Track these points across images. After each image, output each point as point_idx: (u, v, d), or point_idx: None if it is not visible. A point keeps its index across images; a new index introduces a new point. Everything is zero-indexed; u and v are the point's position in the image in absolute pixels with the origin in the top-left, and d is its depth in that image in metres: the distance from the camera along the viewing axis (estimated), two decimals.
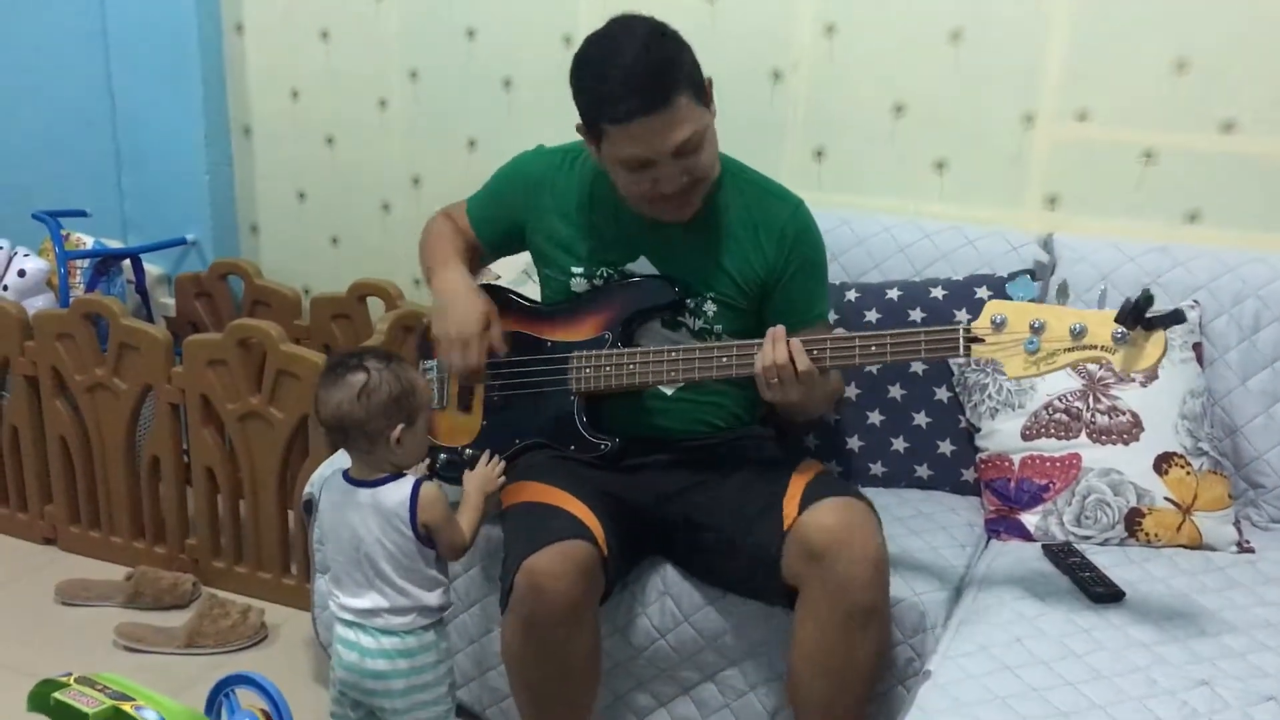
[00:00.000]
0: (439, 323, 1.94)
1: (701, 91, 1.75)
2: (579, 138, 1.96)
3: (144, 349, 2.60)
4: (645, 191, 1.78)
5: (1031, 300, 1.62)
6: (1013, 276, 2.14)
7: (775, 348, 1.69)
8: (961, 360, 2.11)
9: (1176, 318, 1.48)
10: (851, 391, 2.17)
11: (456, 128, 2.86)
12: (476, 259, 2.10)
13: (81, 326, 2.66)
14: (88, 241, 3.03)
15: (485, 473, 1.87)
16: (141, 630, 2.47)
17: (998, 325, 1.58)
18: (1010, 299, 1.62)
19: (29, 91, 3.24)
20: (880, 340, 1.66)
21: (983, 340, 1.59)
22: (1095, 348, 1.52)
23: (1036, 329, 1.55)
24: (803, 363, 1.68)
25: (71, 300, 2.78)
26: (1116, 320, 1.50)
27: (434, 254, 2.05)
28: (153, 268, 3.16)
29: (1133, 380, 2.00)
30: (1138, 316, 1.49)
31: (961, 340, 1.61)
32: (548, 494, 1.80)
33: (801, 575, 1.69)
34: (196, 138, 3.07)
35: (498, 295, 2.02)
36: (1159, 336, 1.49)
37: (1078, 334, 1.53)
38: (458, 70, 2.81)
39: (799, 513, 1.70)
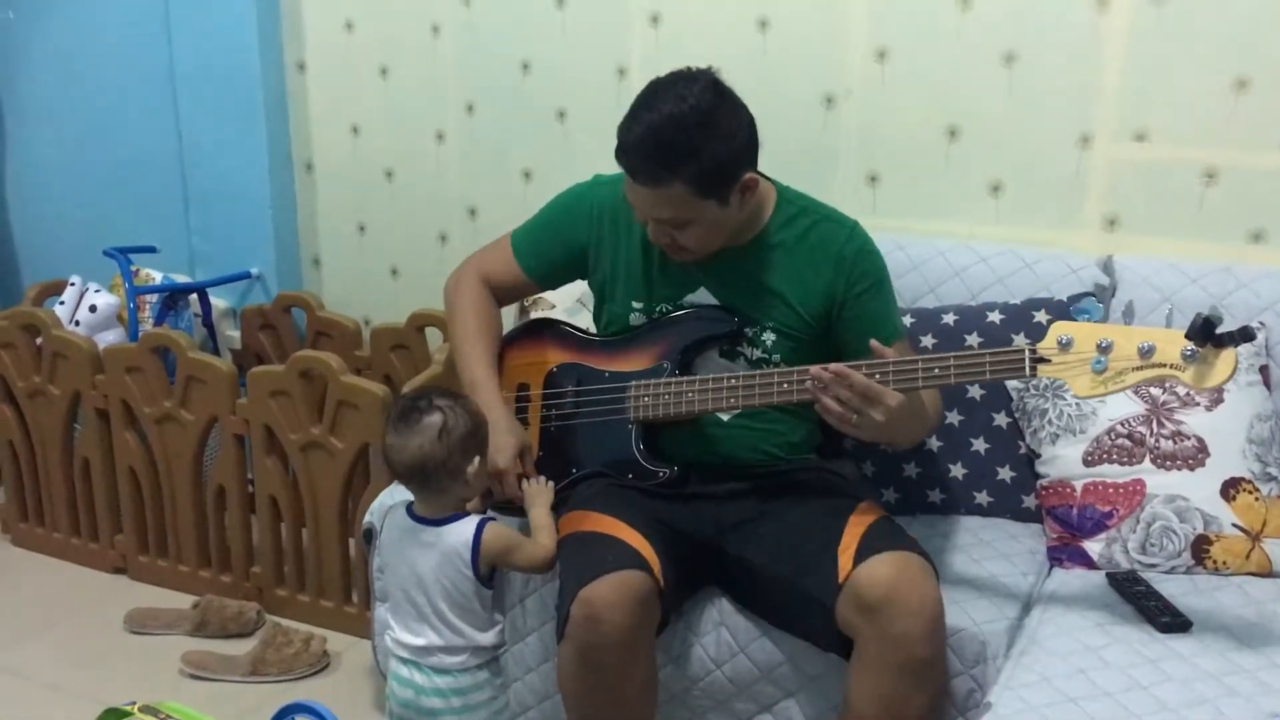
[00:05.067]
0: None
1: (714, 187, 1.72)
2: None
3: (210, 381, 2.65)
4: (642, 225, 1.84)
5: (1098, 322, 1.60)
6: (1076, 299, 2.11)
7: (834, 394, 1.66)
8: (1022, 386, 2.09)
9: (1246, 335, 1.48)
10: None
11: (512, 159, 2.89)
12: (507, 308, 2.14)
13: (150, 360, 2.73)
14: (156, 277, 3.10)
15: (543, 492, 1.87)
16: (207, 658, 2.51)
17: (1064, 345, 1.58)
18: (1075, 321, 1.61)
19: (100, 132, 3.34)
20: (944, 362, 1.65)
21: (1049, 361, 1.59)
22: (1165, 365, 1.52)
23: (1104, 348, 1.55)
24: (857, 378, 1.64)
25: (140, 334, 2.85)
26: (1186, 337, 1.50)
27: (465, 346, 2.01)
28: (219, 301, 3.23)
29: (1197, 404, 1.95)
30: (1207, 334, 1.48)
31: (1028, 361, 1.59)
32: (604, 524, 1.80)
33: (856, 628, 1.67)
34: (260, 174, 3.14)
35: (554, 329, 2.04)
36: (1229, 354, 1.49)
37: (1146, 353, 1.52)
38: (513, 103, 2.84)
39: (854, 565, 1.67)
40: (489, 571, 1.76)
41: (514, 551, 1.76)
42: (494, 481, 1.89)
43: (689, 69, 1.75)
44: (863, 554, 1.69)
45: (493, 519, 1.79)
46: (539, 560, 1.78)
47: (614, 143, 1.68)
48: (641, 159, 1.70)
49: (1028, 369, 1.60)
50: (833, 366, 1.66)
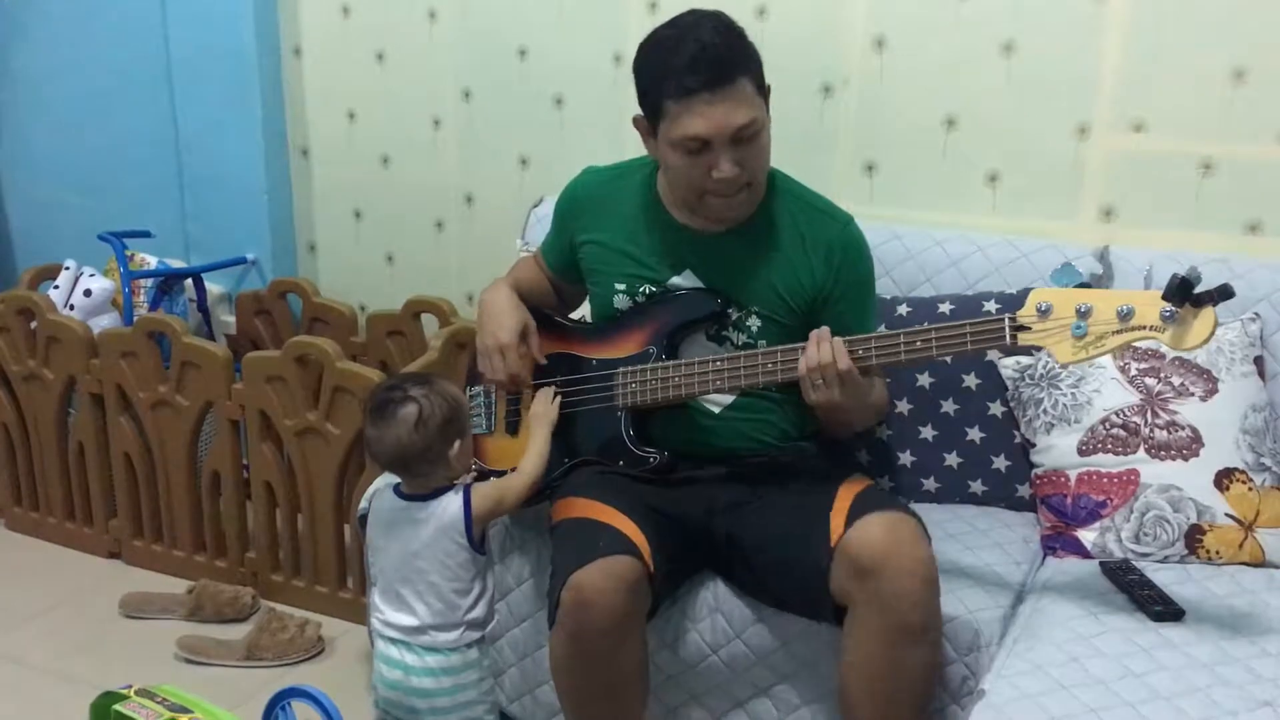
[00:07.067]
0: (479, 335, 2.00)
1: (763, 86, 1.79)
2: (628, 158, 1.97)
3: (205, 366, 2.65)
4: (698, 181, 1.79)
5: (1077, 287, 1.60)
6: (1058, 269, 2.12)
7: (819, 347, 1.71)
8: (1017, 375, 2.10)
9: (1224, 292, 1.48)
10: (904, 407, 2.16)
11: (509, 146, 2.88)
12: (550, 290, 2.14)
13: (145, 345, 2.73)
14: (151, 261, 3.10)
15: (550, 410, 1.90)
16: (202, 643, 2.52)
17: (1043, 312, 1.58)
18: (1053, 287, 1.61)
19: (95, 116, 3.33)
20: (925, 335, 1.66)
21: (1029, 328, 1.59)
22: (1144, 328, 1.52)
23: (1083, 313, 1.55)
24: (843, 362, 1.69)
25: (135, 319, 2.84)
26: (1164, 298, 1.50)
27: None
28: (214, 286, 3.22)
29: (1192, 395, 1.96)
30: (1185, 293, 1.48)
31: (1008, 329, 1.60)
32: (595, 510, 1.80)
33: (849, 592, 1.68)
34: (256, 159, 3.13)
35: (540, 318, 2.04)
36: (1208, 312, 1.49)
37: (1125, 315, 1.52)
38: (510, 89, 2.84)
39: (846, 528, 1.69)
40: (481, 536, 1.79)
41: (502, 500, 1.81)
42: (496, 357, 1.93)
43: (684, 12, 1.81)
44: (854, 516, 1.70)
45: (474, 482, 1.82)
46: (525, 489, 1.82)
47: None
48: (712, 61, 1.72)
49: (1008, 337, 1.60)
50: (836, 346, 1.70)
